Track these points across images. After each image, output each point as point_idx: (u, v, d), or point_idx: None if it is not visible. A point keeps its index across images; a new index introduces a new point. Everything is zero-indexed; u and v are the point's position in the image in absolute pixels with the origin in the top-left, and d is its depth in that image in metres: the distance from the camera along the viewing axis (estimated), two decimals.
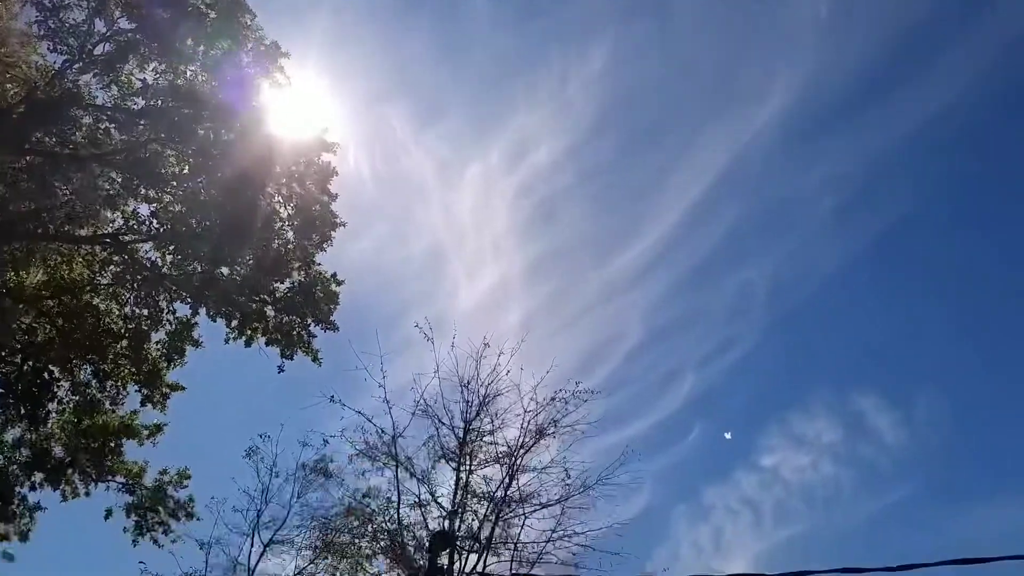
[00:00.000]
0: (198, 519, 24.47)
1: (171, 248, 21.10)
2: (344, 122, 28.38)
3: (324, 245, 20.69)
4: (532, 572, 21.68)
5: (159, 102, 18.34)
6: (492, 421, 23.74)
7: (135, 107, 18.54)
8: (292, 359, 21.70)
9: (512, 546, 22.64)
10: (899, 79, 45.71)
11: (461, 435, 23.50)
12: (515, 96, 47.62)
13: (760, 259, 50.21)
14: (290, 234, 20.61)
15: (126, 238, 21.01)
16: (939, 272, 48.36)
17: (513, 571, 21.87)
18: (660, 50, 46.76)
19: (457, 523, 22.46)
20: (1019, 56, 41.55)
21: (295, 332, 21.62)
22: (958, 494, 47.15)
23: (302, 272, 21.28)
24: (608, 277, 47.83)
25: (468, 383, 23.80)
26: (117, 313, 22.17)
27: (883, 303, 51.13)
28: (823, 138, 48.03)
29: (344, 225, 20.37)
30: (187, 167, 19.45)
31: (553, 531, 22.37)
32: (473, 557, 22.40)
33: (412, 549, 22.43)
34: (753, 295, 48.68)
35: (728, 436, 44.85)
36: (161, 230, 20.85)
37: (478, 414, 23.69)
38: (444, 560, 21.24)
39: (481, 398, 23.80)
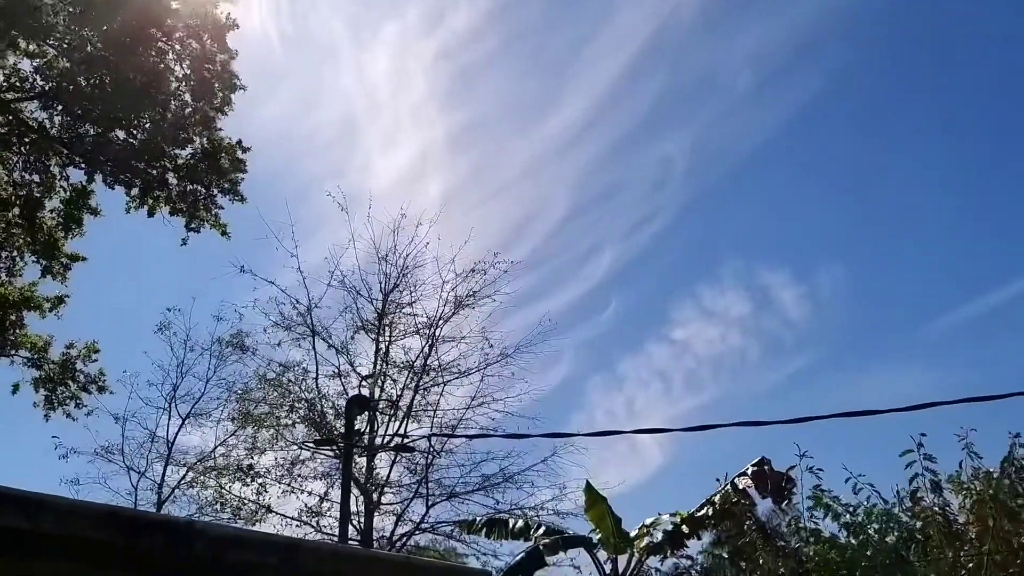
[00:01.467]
0: (111, 392, 23.98)
1: (59, 108, 19.58)
2: None
3: (225, 109, 19.46)
4: (452, 434, 22.12)
5: None
6: (411, 293, 23.65)
7: None
8: (198, 232, 20.76)
9: (432, 413, 23.01)
10: None
11: (380, 307, 23.36)
12: None
13: (680, 133, 50.23)
14: (187, 96, 19.31)
15: (8, 96, 19.40)
16: (850, 150, 49.23)
17: (431, 435, 22.27)
18: None
19: (376, 391, 22.55)
20: None
21: (200, 202, 20.61)
22: (854, 363, 49.82)
23: (203, 137, 20.11)
24: (530, 150, 47.10)
25: (386, 256, 23.51)
26: (5, 179, 20.71)
27: (796, 179, 52.09)
28: (745, 8, 47.36)
29: (245, 89, 19.17)
30: (69, 18, 17.78)
31: (472, 399, 22.80)
32: (393, 424, 22.70)
33: (331, 417, 22.56)
34: (673, 169, 48.92)
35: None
36: (47, 88, 19.30)
37: (396, 286, 23.54)
38: (363, 424, 21.43)
39: (400, 270, 23.61)
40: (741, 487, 16.62)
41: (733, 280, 47.44)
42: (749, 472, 16.73)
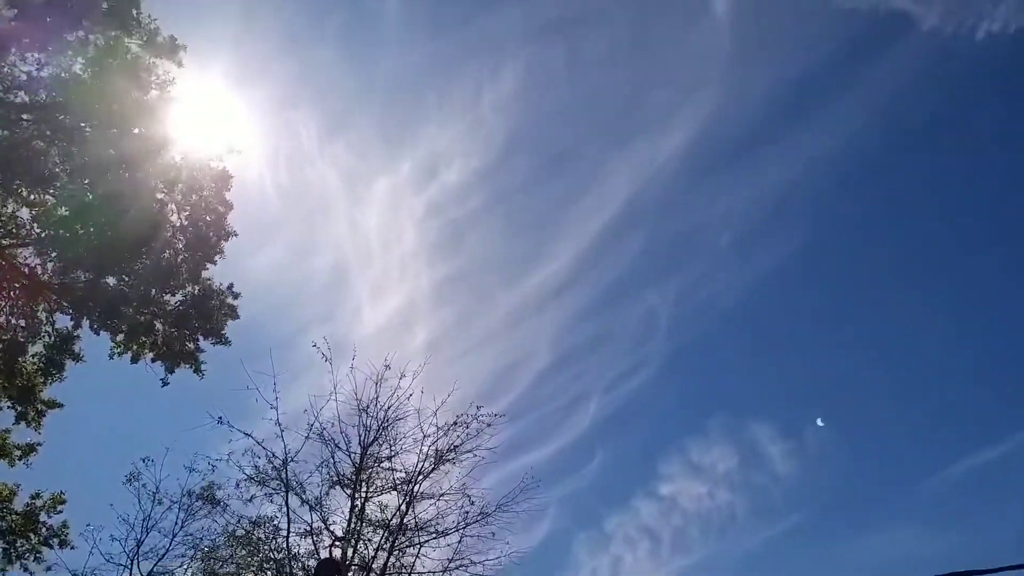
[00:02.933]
0: (72, 547, 22.90)
1: (53, 255, 19.91)
2: (248, 127, 27.53)
3: (215, 257, 19.83)
4: None
5: (44, 96, 17.36)
6: (391, 446, 23.04)
7: (17, 101, 17.51)
8: (173, 372, 20.66)
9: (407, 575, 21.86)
10: (799, 116, 47.73)
11: (358, 460, 22.70)
12: (427, 108, 47.50)
13: (663, 287, 51.39)
14: (181, 244, 19.70)
15: (4, 242, 19.75)
16: (832, 305, 50.17)
17: None
18: (570, 75, 47.66)
19: (350, 552, 21.54)
20: (909, 99, 43.64)
21: (183, 347, 20.59)
22: (845, 520, 48.43)
23: (193, 285, 20.36)
24: (515, 301, 47.92)
25: (367, 407, 23.09)
26: None
27: (780, 333, 52.67)
28: (725, 171, 49.75)
29: (236, 235, 19.62)
30: (72, 168, 18.41)
31: (450, 560, 21.72)
32: None
33: None
34: (657, 322, 49.66)
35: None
36: (42, 235, 19.68)
37: (376, 439, 22.93)
38: None
39: (380, 422, 23.07)
40: None
41: (720, 434, 47.05)
42: None
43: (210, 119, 19.86)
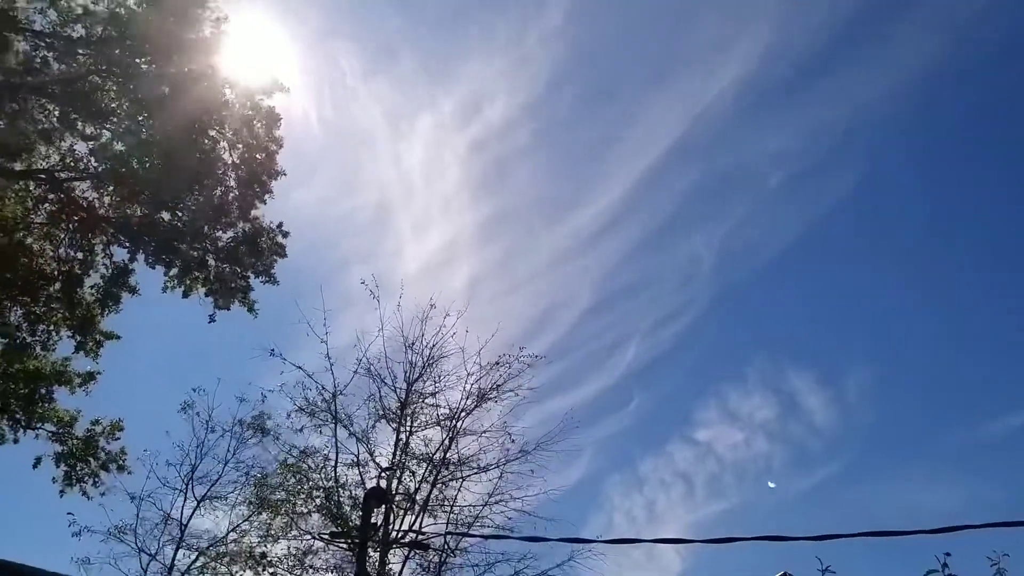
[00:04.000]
0: (129, 472, 23.90)
1: (110, 189, 20.39)
2: (292, 59, 27.51)
3: (265, 196, 20.13)
4: (468, 533, 21.55)
5: (100, 31, 17.58)
6: (435, 383, 23.55)
7: (74, 35, 17.75)
8: (228, 309, 21.13)
9: (448, 508, 22.52)
10: (856, 50, 46.18)
11: (403, 396, 23.25)
12: (470, 43, 46.79)
13: (710, 229, 50.58)
14: (233, 181, 20.02)
15: (62, 175, 20.25)
16: (880, 249, 49.17)
17: (447, 533, 21.73)
18: (618, 7, 46.46)
19: (394, 483, 22.21)
20: (980, 26, 41.98)
21: (234, 283, 21.04)
22: (881, 473, 48.33)
23: (244, 222, 20.72)
24: (559, 242, 47.72)
25: (413, 344, 23.57)
26: (51, 254, 21.39)
27: (825, 279, 51.88)
28: (777, 108, 48.37)
29: (286, 175, 19.90)
30: (128, 103, 18.71)
31: (490, 495, 22.31)
32: (409, 518, 22.24)
33: (348, 508, 22.16)
34: (701, 265, 49.04)
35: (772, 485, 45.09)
36: (100, 169, 20.13)
37: (421, 376, 23.45)
38: (379, 518, 21.00)
39: (425, 360, 23.57)
40: None
41: (759, 382, 46.77)
42: None
43: (259, 54, 19.96)
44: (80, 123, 19.29)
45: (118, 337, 22.86)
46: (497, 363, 23.19)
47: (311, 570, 22.12)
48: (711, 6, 45.32)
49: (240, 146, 19.66)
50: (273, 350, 22.78)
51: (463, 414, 22.97)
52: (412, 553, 21.66)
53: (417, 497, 22.17)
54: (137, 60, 17.95)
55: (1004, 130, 44.79)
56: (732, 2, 44.61)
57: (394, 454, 22.63)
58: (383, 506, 20.46)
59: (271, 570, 22.36)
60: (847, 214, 48.97)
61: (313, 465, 22.75)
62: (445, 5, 45.74)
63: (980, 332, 49.46)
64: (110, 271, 21.57)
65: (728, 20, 45.21)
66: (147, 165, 19.64)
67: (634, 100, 48.95)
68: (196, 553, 24.25)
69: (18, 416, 23.08)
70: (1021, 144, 44.63)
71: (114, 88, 18.61)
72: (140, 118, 19.17)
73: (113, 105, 18.97)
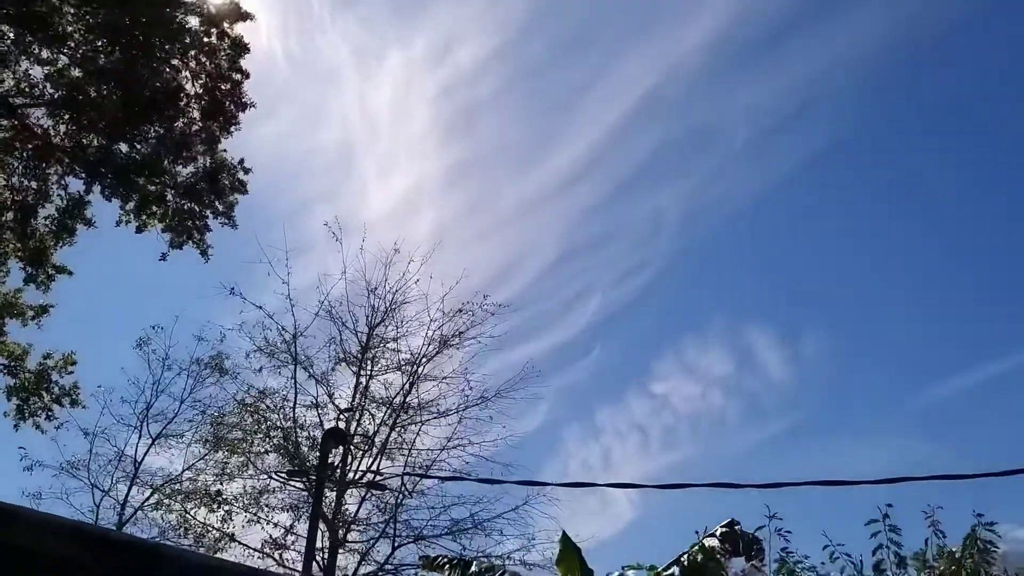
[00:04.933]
0: (83, 407, 23.65)
1: (66, 117, 19.71)
2: None
3: (231, 129, 19.67)
4: (425, 475, 21.85)
5: None
6: (397, 328, 23.63)
7: None
8: (181, 248, 20.76)
9: (406, 452, 22.78)
10: (832, 6, 46.31)
11: (364, 340, 23.30)
12: None
13: (676, 184, 50.95)
14: (196, 113, 19.50)
15: (17, 101, 19.52)
16: (844, 210, 50.09)
17: (405, 473, 22.01)
18: None
19: (353, 425, 22.35)
20: None
21: (191, 222, 20.63)
22: (832, 429, 49.90)
23: (207, 157, 20.26)
24: (525, 191, 47.73)
25: (375, 289, 23.55)
26: (3, 183, 20.70)
27: (789, 238, 52.78)
28: (750, 64, 48.53)
29: (254, 107, 19.42)
30: (85, 28, 18.05)
31: (449, 440, 22.61)
32: (367, 460, 22.43)
33: (306, 448, 22.28)
34: (666, 221, 49.46)
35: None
36: (56, 96, 19.44)
37: (383, 321, 23.53)
38: (337, 459, 21.16)
39: (388, 304, 23.63)
40: (709, 547, 16.46)
41: (718, 337, 47.75)
42: (718, 533, 16.60)
43: None
44: (36, 47, 18.59)
45: (70, 273, 22.29)
46: (460, 311, 23.40)
47: (266, 508, 22.31)
48: None
49: (203, 76, 19.11)
50: (232, 289, 22.70)
51: (424, 360, 23.15)
52: (369, 494, 21.95)
53: (376, 440, 22.37)
54: None
55: (980, 92, 45.51)
56: None
57: (354, 397, 22.76)
58: (341, 447, 20.63)
59: (226, 508, 22.47)
60: (813, 174, 49.71)
61: (271, 405, 22.81)
62: None
63: (935, 296, 50.85)
64: (65, 202, 20.97)
65: None
66: (104, 93, 19.07)
67: (607, 51, 48.77)
68: (150, 490, 24.28)
69: None
70: (993, 107, 45.48)
71: (72, 11, 17.91)
72: (98, 44, 18.54)
73: (70, 29, 18.28)
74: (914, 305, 50.41)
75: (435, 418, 22.96)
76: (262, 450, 22.73)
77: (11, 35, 18.52)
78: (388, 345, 23.51)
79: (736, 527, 16.40)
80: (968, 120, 47.27)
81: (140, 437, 24.79)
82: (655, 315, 53.37)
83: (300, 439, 22.31)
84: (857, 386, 51.06)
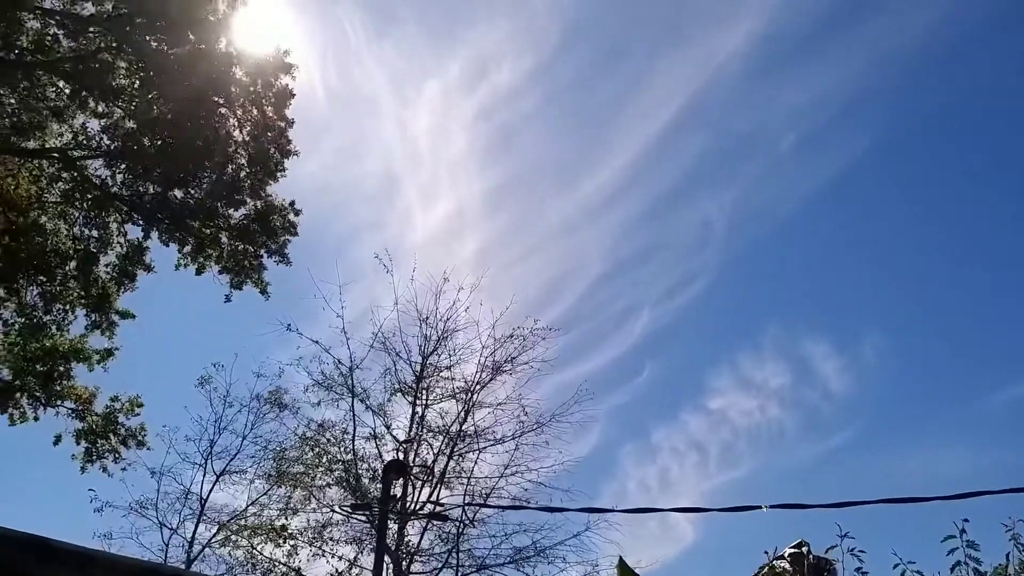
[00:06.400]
0: (149, 448, 24.20)
1: (122, 167, 20.39)
2: (295, 23, 27.43)
3: (277, 174, 20.10)
4: (485, 504, 21.82)
5: (110, 7, 17.49)
6: (450, 356, 23.72)
7: (84, 12, 17.68)
8: (241, 289, 21.22)
9: (465, 480, 22.79)
10: (871, 6, 45.37)
11: (418, 369, 23.43)
12: (476, 6, 46.12)
13: (721, 193, 49.85)
14: (244, 159, 19.98)
15: (75, 154, 20.25)
16: (897, 213, 48.74)
17: (465, 504, 21.99)
18: None
19: (411, 455, 22.45)
20: None
21: (248, 261, 21.10)
22: (896, 439, 48.33)
23: (257, 199, 20.73)
24: (568, 208, 47.35)
25: (427, 318, 23.70)
26: (65, 233, 21.44)
27: (840, 242, 51.38)
28: (791, 66, 47.47)
29: (298, 154, 19.87)
30: (139, 81, 18.66)
31: (506, 467, 22.56)
32: (427, 490, 22.51)
33: (366, 480, 22.45)
34: (713, 230, 48.52)
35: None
36: (112, 147, 20.13)
37: (436, 349, 23.63)
38: (397, 490, 21.26)
39: (439, 333, 23.74)
40: (779, 570, 16.13)
41: (773, 348, 46.42)
42: (787, 555, 16.27)
43: (267, 29, 19.85)
44: (91, 101, 19.28)
45: (133, 316, 22.99)
46: (511, 336, 23.37)
47: (330, 542, 22.46)
48: None
49: (249, 124, 19.60)
50: (289, 325, 22.98)
51: (478, 387, 23.17)
52: (430, 524, 21.97)
53: (434, 469, 22.43)
54: (148, 37, 17.83)
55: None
56: None
57: (411, 427, 22.87)
58: (401, 478, 20.72)
59: (291, 542, 22.71)
60: (861, 175, 48.34)
61: (331, 439, 23.03)
62: None
63: (998, 297, 49.17)
64: (125, 249, 21.64)
65: None
66: (158, 142, 19.68)
67: (643, 62, 48.33)
68: (216, 526, 24.66)
69: (37, 394, 23.32)
70: None
71: (124, 66, 18.54)
72: (151, 96, 19.14)
73: (124, 83, 18.93)
74: (978, 304, 48.78)
75: (492, 445, 22.94)
76: (324, 483, 22.95)
77: (67, 91, 19.27)
78: (442, 374, 23.61)
79: (805, 548, 16.11)
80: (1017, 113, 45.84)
81: (205, 474, 25.22)
82: (707, 328, 52.41)
83: (361, 471, 22.49)
84: (922, 392, 49.52)
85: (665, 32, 47.72)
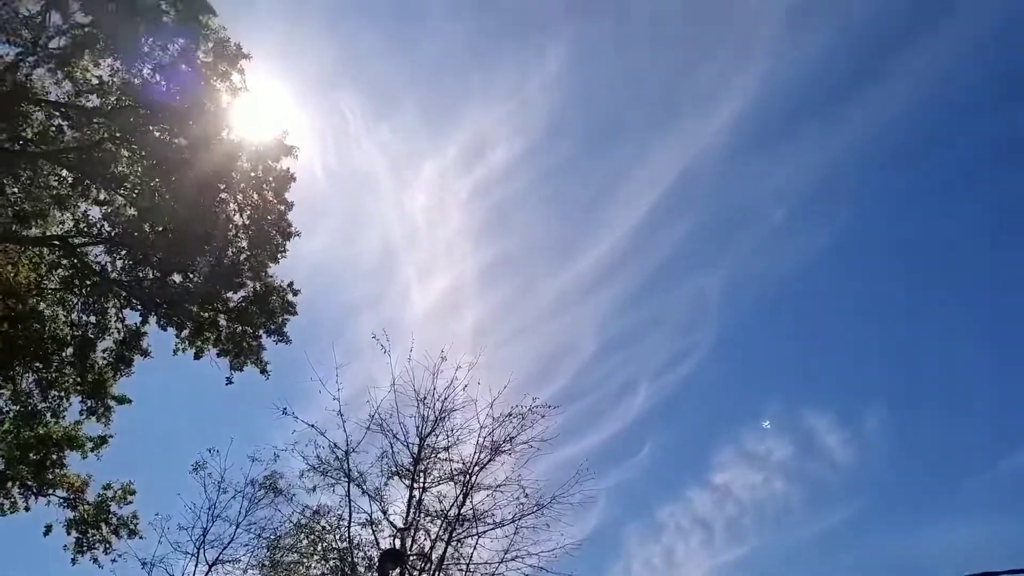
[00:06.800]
0: (141, 537, 23.66)
1: (123, 253, 20.62)
2: (295, 109, 28.15)
3: (278, 256, 20.33)
4: None
5: (114, 100, 17.99)
6: (447, 437, 23.39)
7: (89, 104, 18.17)
8: (241, 371, 21.19)
9: (464, 567, 22.18)
10: (852, 86, 46.81)
11: (416, 451, 23.08)
12: (472, 90, 47.77)
13: (713, 268, 50.56)
14: (244, 243, 20.23)
15: (76, 241, 20.50)
16: (889, 285, 49.19)
17: None
18: (617, 51, 47.41)
19: (409, 542, 21.94)
20: (977, 62, 42.55)
21: (246, 343, 21.13)
22: (902, 513, 47.44)
23: (256, 281, 20.89)
24: (563, 284, 47.92)
25: (424, 399, 23.47)
26: (64, 319, 21.53)
27: (833, 315, 51.62)
28: (776, 145, 48.80)
29: (299, 235, 20.13)
30: (141, 169, 19.04)
31: (506, 551, 21.97)
32: None
33: (362, 569, 21.85)
34: (706, 305, 48.89)
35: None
36: (113, 234, 20.40)
37: (433, 430, 23.32)
38: None
39: (437, 413, 23.45)
40: None
41: (776, 421, 46.00)
42: None
43: (267, 113, 20.36)
44: (94, 189, 19.65)
45: (129, 401, 22.85)
46: (509, 415, 23.10)
47: None
48: (708, 44, 46.29)
49: (249, 208, 19.92)
50: (285, 409, 22.73)
51: (477, 468, 22.79)
52: None
53: (432, 556, 21.88)
54: (151, 126, 18.28)
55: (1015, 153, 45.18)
56: (729, 39, 45.49)
57: (408, 512, 22.40)
58: (398, 567, 20.21)
59: None
60: (852, 246, 49.23)
61: (327, 525, 22.52)
62: (446, 53, 46.88)
63: (1000, 363, 49.05)
64: (123, 335, 21.70)
65: (725, 58, 46.08)
66: (159, 229, 19.95)
67: (633, 142, 49.79)
68: None
69: (29, 483, 22.96)
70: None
71: (127, 155, 18.94)
72: (152, 183, 19.50)
73: (126, 171, 19.30)
74: (980, 373, 48.62)
75: (491, 529, 22.39)
76: (319, 573, 22.33)
77: (70, 179, 19.65)
78: (440, 455, 23.25)
79: None
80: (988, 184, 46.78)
81: (197, 564, 24.56)
82: (707, 401, 52.20)
83: (356, 559, 21.92)
84: (923, 463, 48.86)
85: (652, 115, 49.19)
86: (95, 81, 17.86)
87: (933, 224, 49.32)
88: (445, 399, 23.35)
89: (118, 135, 18.51)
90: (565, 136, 50.37)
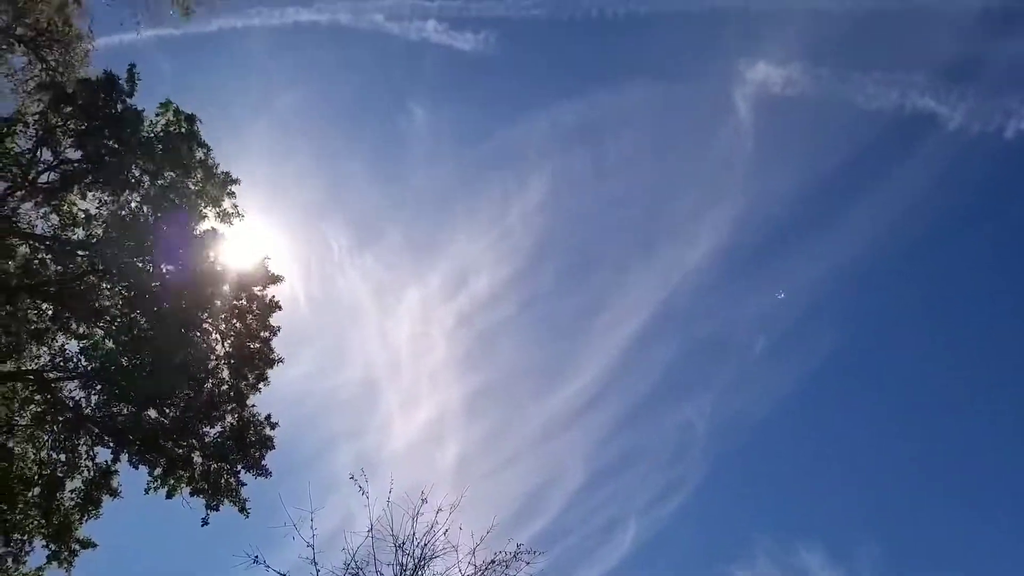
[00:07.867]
0: None
1: (98, 387, 20.16)
2: (281, 237, 28.50)
3: (260, 385, 19.94)
4: None
5: (100, 232, 18.11)
6: None
7: (74, 238, 18.27)
8: (218, 510, 20.31)
9: None
10: (823, 216, 48.19)
11: None
12: (455, 220, 48.94)
13: (699, 396, 50.35)
14: (225, 373, 19.88)
15: (51, 375, 20.07)
16: (872, 412, 49.03)
17: None
18: (596, 182, 48.97)
19: None
20: (936, 199, 44.03)
21: (223, 480, 20.36)
22: None
23: (234, 415, 20.38)
24: (546, 415, 47.35)
25: (403, 544, 22.35)
26: (32, 457, 20.73)
27: (822, 443, 51.12)
28: (753, 274, 49.77)
29: (283, 362, 19.80)
30: (122, 301, 18.93)
31: None
32: None
33: None
34: (694, 435, 48.30)
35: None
36: (89, 368, 20.00)
37: None
38: None
39: (416, 560, 22.27)
40: None
41: (767, 557, 44.42)
42: None
43: (253, 242, 20.47)
44: (73, 323, 19.43)
45: (95, 544, 21.69)
46: (492, 562, 21.98)
47: None
48: (684, 178, 48.07)
49: (232, 335, 19.72)
50: (256, 557, 21.57)
51: None
52: None
53: None
54: (135, 258, 18.30)
55: (992, 278, 46.18)
56: (704, 174, 47.31)
57: None
58: None
59: None
60: (835, 373, 49.55)
61: None
62: (429, 184, 48.46)
63: (985, 492, 48.09)
64: (92, 473, 20.88)
65: (702, 192, 47.77)
66: (137, 363, 19.58)
67: (614, 271, 50.86)
68: None
69: None
70: (1010, 290, 45.96)
71: (108, 287, 18.88)
72: (133, 315, 19.33)
73: (107, 303, 19.18)
74: (964, 499, 47.55)
75: None
76: None
77: (49, 312, 19.45)
78: None
79: None
80: (985, 296, 47.68)
81: None
82: (698, 537, 50.74)
83: None
84: None
85: (632, 245, 50.67)
86: (81, 215, 18.04)
87: (914, 349, 49.91)
88: (425, 545, 22.30)
89: (101, 268, 18.49)
90: (547, 265, 51.64)
